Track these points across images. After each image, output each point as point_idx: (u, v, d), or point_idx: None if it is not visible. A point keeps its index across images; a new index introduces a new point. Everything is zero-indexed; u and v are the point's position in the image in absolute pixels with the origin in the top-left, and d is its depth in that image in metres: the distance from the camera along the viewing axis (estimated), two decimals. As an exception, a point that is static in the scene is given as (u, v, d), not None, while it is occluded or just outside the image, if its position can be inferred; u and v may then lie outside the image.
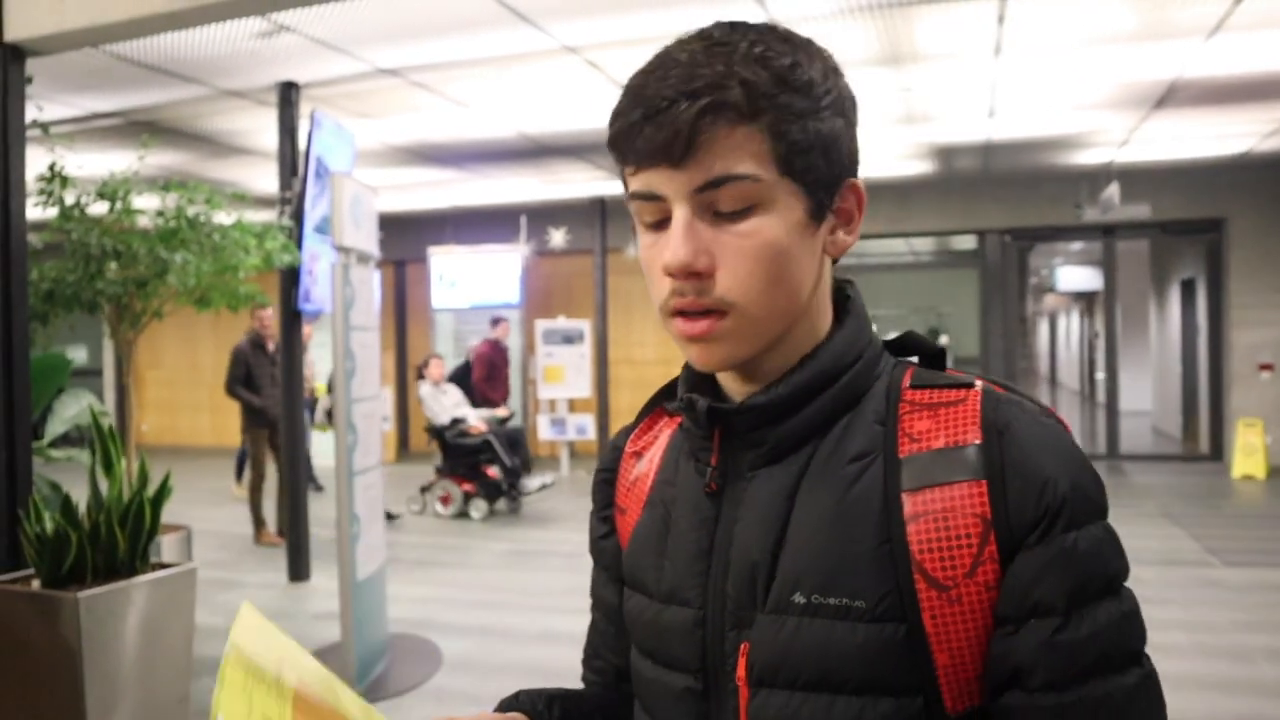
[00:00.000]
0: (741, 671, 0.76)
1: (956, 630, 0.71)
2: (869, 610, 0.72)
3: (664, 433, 0.92)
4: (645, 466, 0.91)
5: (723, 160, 0.71)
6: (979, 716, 0.73)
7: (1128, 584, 0.74)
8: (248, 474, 7.28)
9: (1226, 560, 5.98)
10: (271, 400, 7.02)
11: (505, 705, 0.89)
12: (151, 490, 3.01)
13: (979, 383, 0.78)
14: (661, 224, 0.75)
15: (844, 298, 0.84)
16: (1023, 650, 0.69)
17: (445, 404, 8.01)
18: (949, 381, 0.79)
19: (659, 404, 0.95)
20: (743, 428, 0.79)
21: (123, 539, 2.79)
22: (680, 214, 0.73)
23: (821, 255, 0.79)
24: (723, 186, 0.72)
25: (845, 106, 0.80)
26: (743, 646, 0.76)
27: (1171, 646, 4.37)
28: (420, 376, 8.32)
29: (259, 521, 7.03)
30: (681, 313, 0.75)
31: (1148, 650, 0.73)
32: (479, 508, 7.94)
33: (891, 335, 0.87)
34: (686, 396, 0.81)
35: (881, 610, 0.71)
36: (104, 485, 2.97)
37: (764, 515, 0.77)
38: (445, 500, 8.01)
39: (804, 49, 0.76)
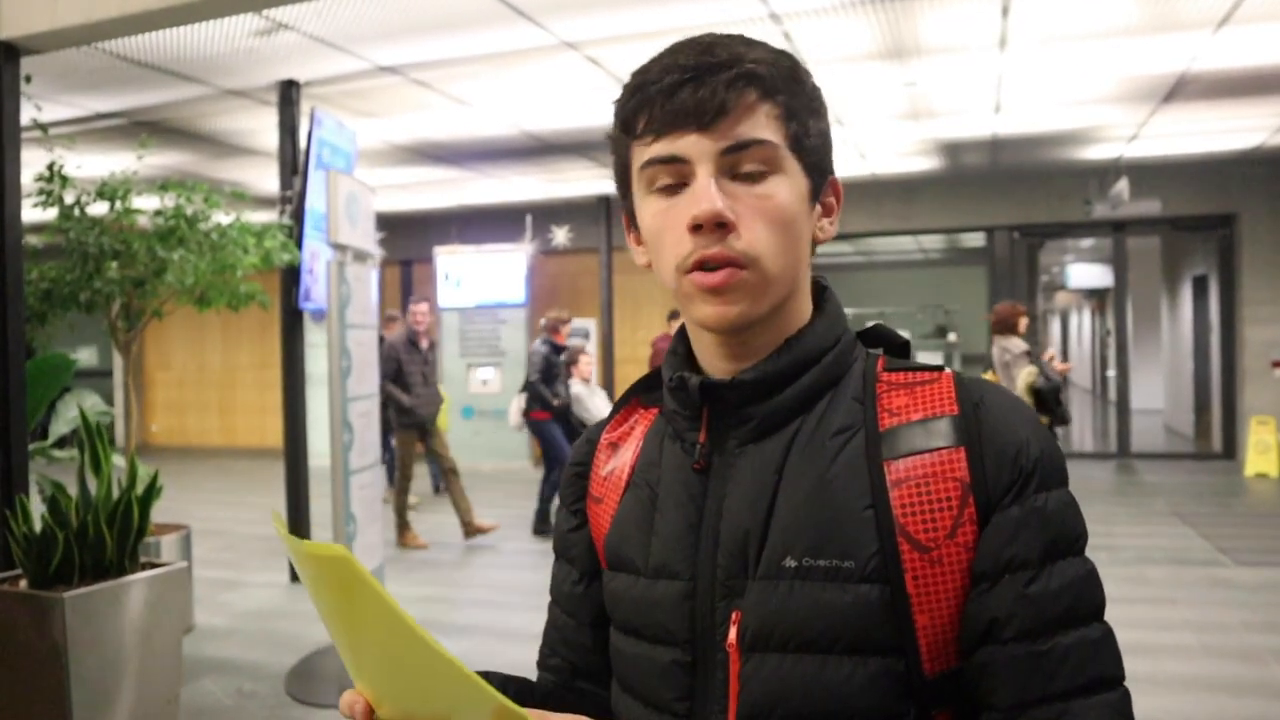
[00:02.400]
0: (733, 638, 0.78)
1: (936, 591, 0.75)
2: (858, 570, 0.75)
3: (640, 424, 0.95)
4: (623, 456, 0.94)
5: (748, 126, 0.78)
6: (953, 679, 0.77)
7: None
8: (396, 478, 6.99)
9: (1238, 560, 5.90)
10: (422, 400, 6.78)
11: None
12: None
13: (949, 368, 0.85)
14: (674, 189, 0.80)
15: (821, 289, 0.90)
16: (998, 603, 0.74)
17: (599, 404, 7.46)
18: (921, 366, 0.85)
19: (633, 397, 0.98)
20: (733, 403, 0.83)
21: (111, 539, 2.77)
22: (704, 174, 0.78)
23: (811, 238, 0.85)
24: (748, 149, 0.78)
25: (825, 114, 0.87)
26: (734, 614, 0.79)
27: (1180, 647, 4.31)
28: (568, 375, 7.91)
29: (403, 525, 6.86)
30: (702, 267, 0.78)
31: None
32: None
33: (860, 328, 0.93)
34: (678, 375, 0.85)
35: (869, 571, 0.75)
36: (94, 485, 2.95)
37: (753, 488, 0.81)
38: None
39: (795, 59, 0.84)
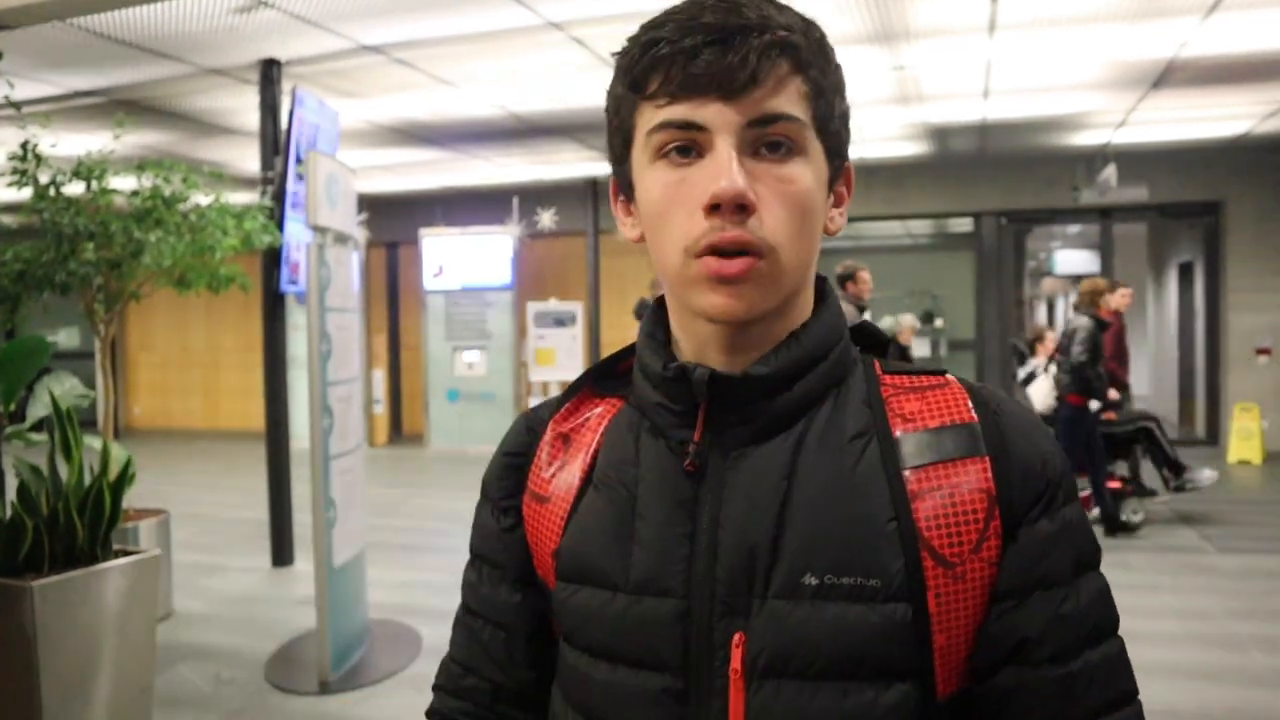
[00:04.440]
0: (737, 664, 0.71)
1: (957, 609, 0.71)
2: (883, 589, 0.70)
3: (595, 415, 0.85)
4: (577, 450, 0.83)
5: (778, 99, 0.70)
6: (960, 701, 0.73)
7: None
8: None
9: (1221, 546, 5.92)
10: None
11: None
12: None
13: (949, 374, 0.80)
14: (685, 153, 0.71)
15: (821, 281, 0.83)
16: (1030, 623, 0.70)
17: (1044, 385, 6.66)
18: (921, 369, 0.80)
19: (587, 384, 0.87)
20: (738, 400, 0.75)
21: (82, 526, 2.73)
22: (726, 145, 0.70)
23: (823, 228, 0.78)
24: (776, 124, 0.71)
25: (846, 94, 0.81)
26: (736, 637, 0.71)
27: (1163, 634, 4.32)
28: (1021, 356, 7.30)
29: None
30: (716, 253, 0.70)
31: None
32: (1134, 508, 6.42)
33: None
34: (677, 365, 0.76)
35: (895, 589, 0.70)
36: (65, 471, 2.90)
37: (758, 495, 0.73)
38: (1087, 501, 6.34)
39: (822, 29, 0.77)
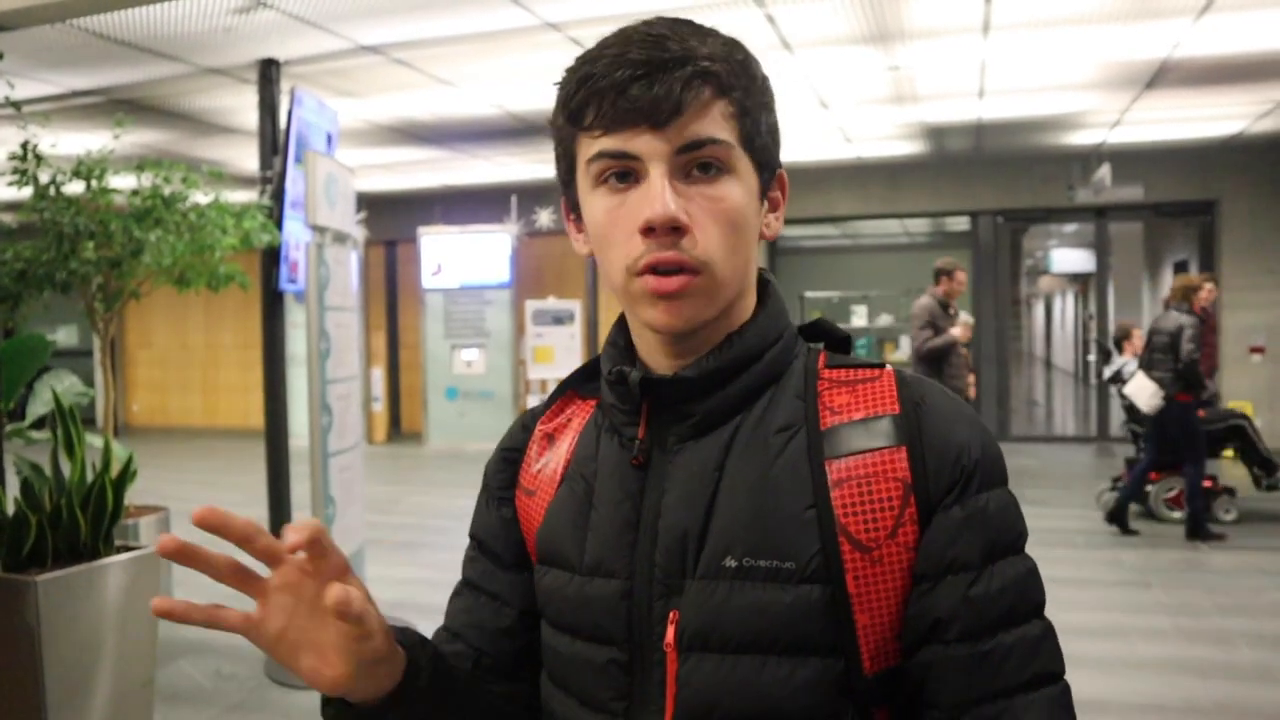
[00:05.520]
0: (670, 638, 0.77)
1: (877, 591, 0.75)
2: (798, 571, 0.75)
3: (576, 415, 0.93)
4: (559, 449, 0.91)
5: (702, 124, 0.75)
6: (893, 678, 0.77)
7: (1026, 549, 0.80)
8: None
9: (1212, 543, 5.96)
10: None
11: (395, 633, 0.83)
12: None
13: (889, 365, 0.84)
14: (624, 186, 0.77)
15: (764, 283, 0.88)
16: (941, 605, 0.74)
17: (1146, 383, 6.37)
18: (863, 362, 0.84)
19: (570, 387, 0.95)
20: (672, 399, 0.81)
21: (84, 522, 2.76)
22: (658, 173, 0.75)
23: (759, 236, 0.83)
24: (702, 149, 0.76)
25: (775, 107, 0.85)
26: (671, 614, 0.78)
27: (1153, 630, 4.36)
28: (1106, 353, 7.16)
29: None
30: (654, 271, 0.76)
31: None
32: (1226, 506, 6.38)
33: (801, 323, 0.92)
34: (617, 369, 0.83)
35: (810, 572, 0.75)
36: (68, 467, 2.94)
37: (693, 486, 0.80)
38: (1176, 500, 6.46)
39: (746, 49, 0.81)
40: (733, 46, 0.80)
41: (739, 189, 0.78)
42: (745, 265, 0.81)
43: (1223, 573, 5.34)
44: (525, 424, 0.96)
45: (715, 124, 0.76)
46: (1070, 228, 13.20)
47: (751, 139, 0.79)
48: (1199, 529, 6.00)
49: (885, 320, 11.71)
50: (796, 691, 0.75)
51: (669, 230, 0.75)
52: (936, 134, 8.65)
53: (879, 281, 14.83)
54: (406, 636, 0.82)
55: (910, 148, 9.30)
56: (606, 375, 0.86)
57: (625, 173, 0.77)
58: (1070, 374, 20.28)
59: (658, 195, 0.75)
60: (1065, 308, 21.91)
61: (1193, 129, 8.48)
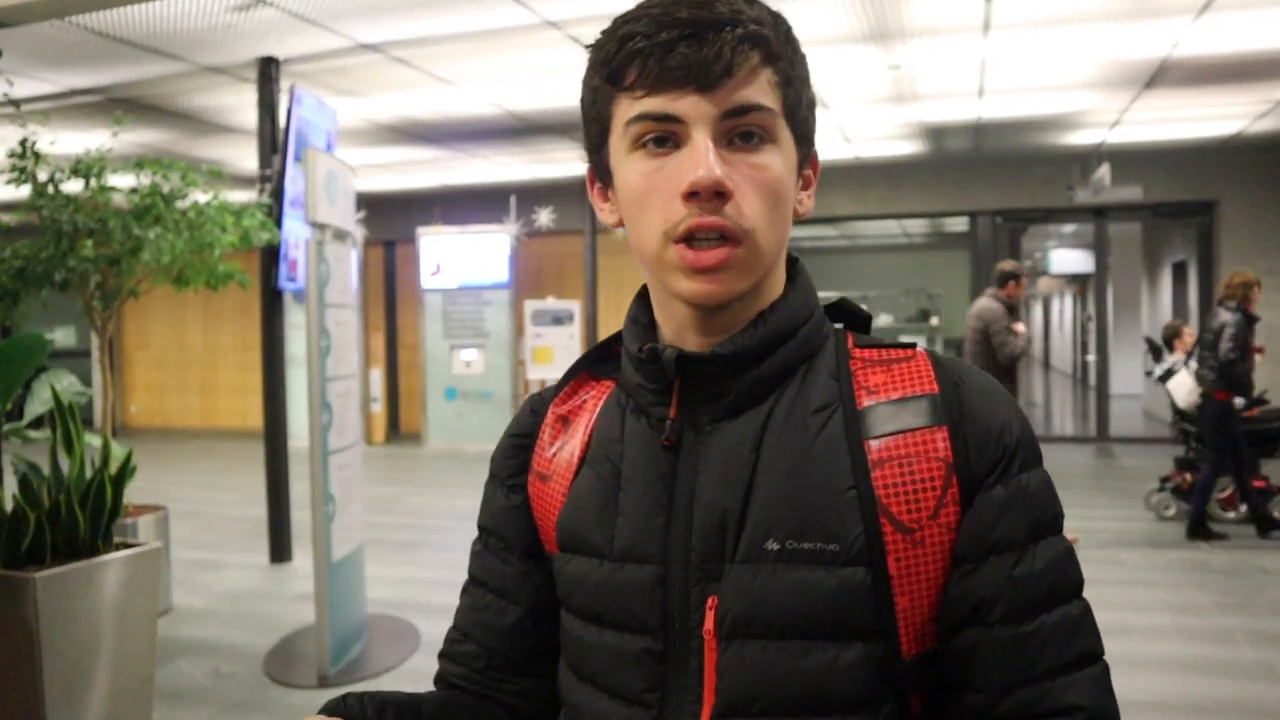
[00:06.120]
0: (710, 625, 0.75)
1: (918, 573, 0.74)
2: (842, 553, 0.73)
3: (592, 397, 0.90)
4: (575, 431, 0.88)
5: (750, 89, 0.74)
6: (930, 660, 0.76)
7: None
8: None
9: (1214, 542, 5.96)
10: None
11: (330, 708, 0.81)
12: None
13: (920, 346, 0.83)
14: (662, 143, 0.75)
15: (791, 260, 0.86)
16: (984, 586, 0.73)
17: (1186, 380, 6.33)
18: (892, 343, 0.83)
19: (584, 368, 0.92)
20: (706, 378, 0.79)
21: (83, 519, 2.75)
22: (703, 136, 0.73)
23: (793, 212, 0.81)
24: (749, 114, 0.74)
25: (811, 82, 0.84)
26: (710, 600, 0.75)
27: (1155, 628, 4.35)
28: (1158, 351, 7.01)
29: None
30: (693, 240, 0.74)
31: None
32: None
33: (824, 303, 0.89)
34: (649, 347, 0.80)
35: (854, 553, 0.73)
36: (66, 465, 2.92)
37: (729, 466, 0.77)
38: (1230, 500, 6.32)
39: (789, 22, 0.81)
40: (778, 16, 0.79)
41: (780, 160, 0.76)
42: (782, 238, 0.79)
43: (1224, 571, 5.33)
44: (535, 408, 0.93)
45: (762, 90, 0.74)
46: (1069, 228, 13.21)
47: (794, 110, 0.78)
48: (1266, 523, 5.96)
49: (885, 320, 11.72)
50: (841, 676, 0.73)
51: (713, 195, 0.73)
52: (936, 134, 8.64)
53: (878, 281, 14.85)
54: (350, 705, 0.81)
55: (909, 148, 9.30)
56: (636, 353, 0.83)
57: (664, 137, 0.75)
58: (1069, 375, 20.29)
59: (703, 158, 0.72)
60: (1063, 308, 21.93)
61: (1192, 129, 8.49)
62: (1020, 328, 5.87)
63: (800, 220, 0.84)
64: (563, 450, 0.88)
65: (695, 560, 0.76)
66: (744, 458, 0.77)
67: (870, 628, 0.73)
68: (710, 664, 0.75)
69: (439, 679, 0.93)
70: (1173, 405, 6.67)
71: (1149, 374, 6.97)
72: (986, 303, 5.92)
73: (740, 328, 0.79)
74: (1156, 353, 7.11)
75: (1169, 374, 6.76)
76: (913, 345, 0.82)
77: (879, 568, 0.73)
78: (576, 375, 0.92)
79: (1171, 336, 6.99)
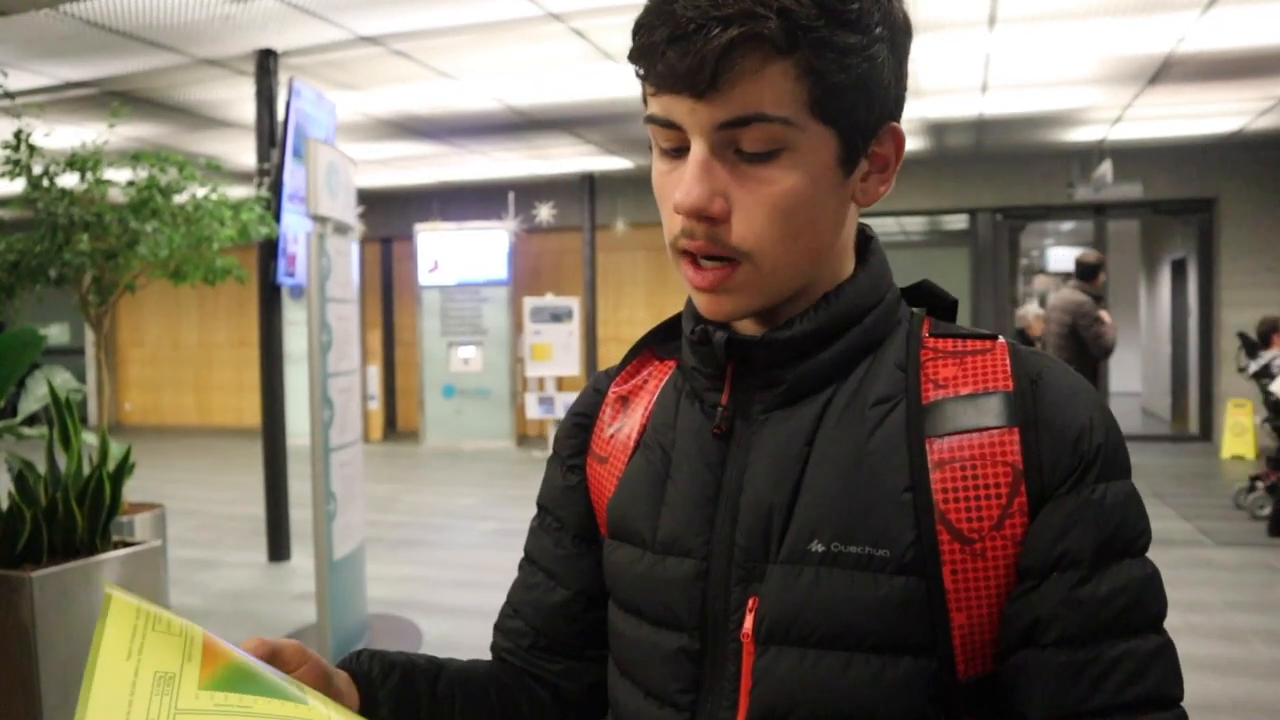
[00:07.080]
0: (748, 627, 0.70)
1: (977, 588, 0.67)
2: (892, 560, 0.67)
3: (653, 377, 0.85)
4: (634, 413, 0.84)
5: (751, 97, 0.65)
6: (987, 684, 0.69)
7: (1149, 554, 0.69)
8: None
9: (1219, 540, 5.93)
10: None
11: (343, 663, 0.78)
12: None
13: (1002, 337, 0.75)
14: (679, 151, 0.70)
15: (865, 239, 0.79)
16: (1042, 604, 0.65)
17: None
18: (972, 332, 0.75)
19: (648, 346, 0.87)
20: (762, 364, 0.74)
21: (81, 517, 2.69)
22: (698, 150, 0.67)
23: (849, 204, 0.74)
24: (749, 126, 0.66)
25: (897, 38, 0.70)
26: (750, 601, 0.70)
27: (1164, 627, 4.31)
28: (1253, 347, 6.82)
29: None
30: (689, 256, 0.70)
31: None
32: None
33: (906, 285, 0.82)
34: (700, 328, 0.75)
35: (905, 561, 0.67)
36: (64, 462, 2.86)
37: (779, 459, 0.72)
38: None
39: None
40: None
41: (798, 170, 0.67)
42: (809, 251, 0.71)
43: (1231, 570, 5.30)
44: (598, 386, 0.89)
45: (769, 94, 0.64)
46: (1067, 226, 13.19)
47: (825, 105, 0.66)
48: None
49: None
50: (885, 693, 0.67)
51: (698, 219, 0.68)
52: (937, 130, 8.61)
53: (876, 280, 14.79)
54: (362, 661, 0.77)
55: (910, 144, 9.19)
56: (689, 334, 0.77)
57: (678, 148, 0.70)
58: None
59: (687, 179, 0.67)
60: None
61: (1193, 126, 8.47)
62: (1108, 317, 5.79)
63: (866, 211, 0.76)
64: (620, 432, 0.84)
65: (738, 558, 0.71)
66: (796, 451, 0.72)
67: (921, 643, 0.67)
68: (747, 669, 0.70)
69: (492, 649, 0.91)
70: (1266, 401, 6.48)
71: (1241, 370, 6.79)
72: (1072, 294, 5.82)
73: (800, 311, 0.73)
74: (1250, 348, 6.86)
75: (1266, 370, 6.54)
76: (994, 336, 0.75)
77: (933, 580, 0.67)
78: (640, 353, 0.87)
79: (1269, 331, 6.73)
